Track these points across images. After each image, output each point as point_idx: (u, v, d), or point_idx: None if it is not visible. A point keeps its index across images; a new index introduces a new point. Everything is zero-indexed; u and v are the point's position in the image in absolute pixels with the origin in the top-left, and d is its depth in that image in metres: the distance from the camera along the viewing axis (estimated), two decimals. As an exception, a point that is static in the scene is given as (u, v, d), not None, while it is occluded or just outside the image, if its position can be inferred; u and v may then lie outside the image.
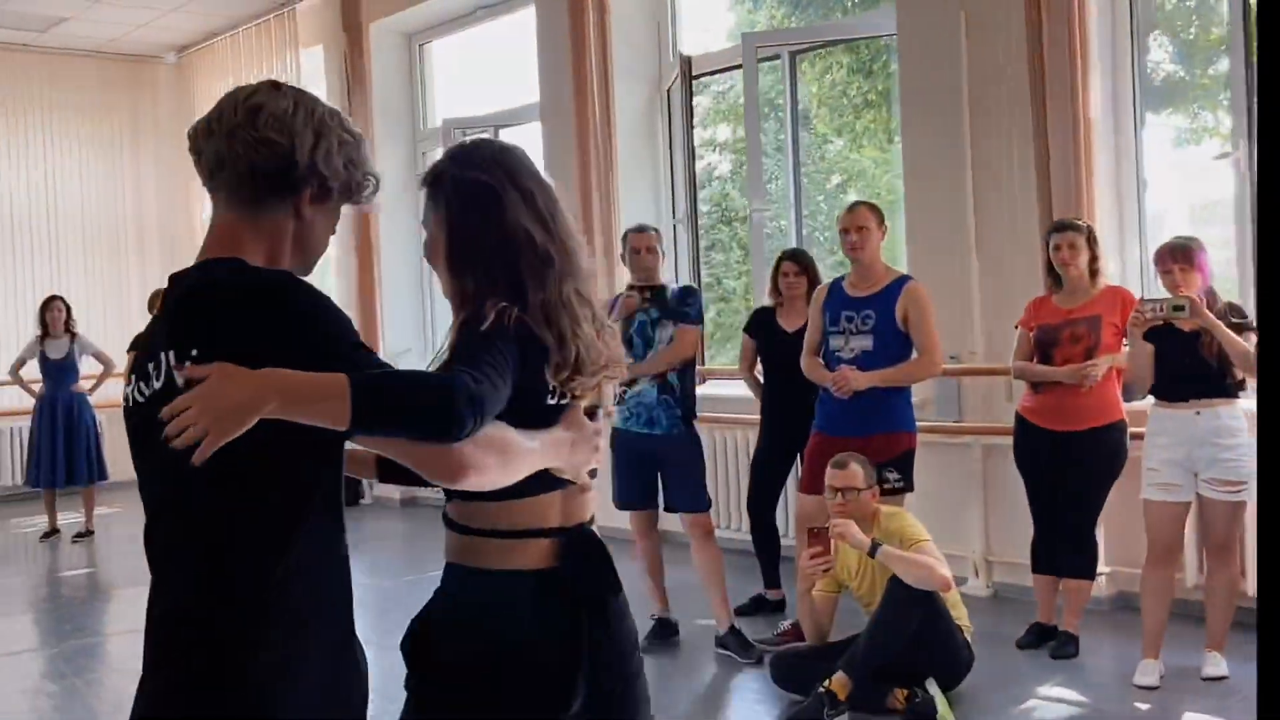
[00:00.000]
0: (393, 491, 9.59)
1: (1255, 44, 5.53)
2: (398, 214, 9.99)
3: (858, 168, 9.69)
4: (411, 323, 10.16)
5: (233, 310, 1.64)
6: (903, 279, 5.19)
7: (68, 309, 9.04)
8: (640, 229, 5.66)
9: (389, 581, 6.92)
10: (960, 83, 6.20)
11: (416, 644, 2.07)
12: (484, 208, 2.04)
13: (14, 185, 11.19)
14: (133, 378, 1.74)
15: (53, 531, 8.97)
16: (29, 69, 11.23)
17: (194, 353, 1.61)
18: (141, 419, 1.70)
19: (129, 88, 11.76)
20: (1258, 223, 1.98)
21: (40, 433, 8.87)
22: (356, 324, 6.51)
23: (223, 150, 1.74)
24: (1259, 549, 2.39)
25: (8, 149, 11.18)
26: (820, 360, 5.29)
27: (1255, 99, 5.51)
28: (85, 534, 8.89)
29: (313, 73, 10.38)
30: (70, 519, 9.09)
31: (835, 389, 5.05)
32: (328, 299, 1.68)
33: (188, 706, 1.65)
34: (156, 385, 1.67)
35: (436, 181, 2.10)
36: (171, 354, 1.65)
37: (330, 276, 10.39)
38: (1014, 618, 5.43)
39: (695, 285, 5.87)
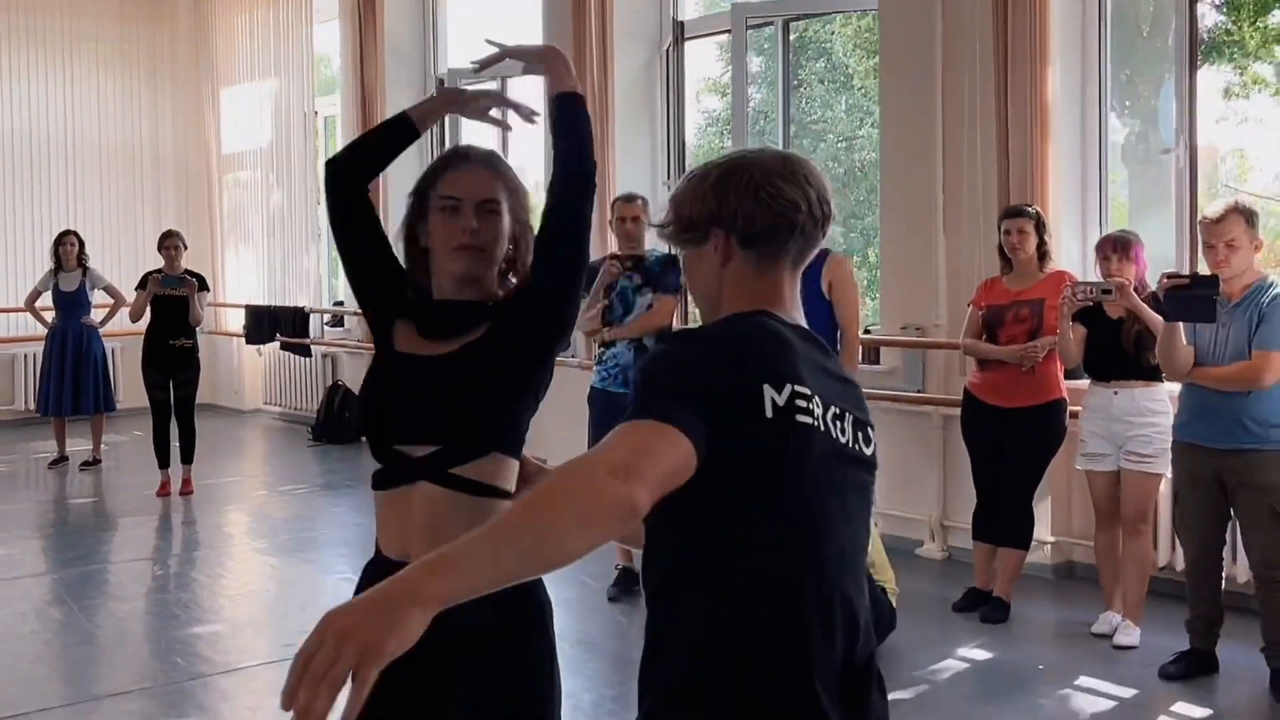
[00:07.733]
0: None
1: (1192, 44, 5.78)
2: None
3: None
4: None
5: None
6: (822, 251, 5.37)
7: (80, 243, 9.23)
8: (629, 198, 5.74)
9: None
10: (935, 67, 6.37)
11: None
12: None
13: (34, 117, 11.39)
14: (831, 417, 1.67)
15: (61, 459, 9.29)
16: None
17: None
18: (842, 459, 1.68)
19: (148, 18, 11.91)
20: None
21: (50, 363, 9.17)
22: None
23: None
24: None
25: (29, 81, 11.35)
26: None
27: (1193, 101, 5.77)
28: (92, 462, 9.22)
29: (326, 10, 10.57)
30: (78, 447, 9.38)
31: None
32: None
33: None
34: (866, 450, 1.72)
35: None
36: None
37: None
38: (961, 582, 5.66)
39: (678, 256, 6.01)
